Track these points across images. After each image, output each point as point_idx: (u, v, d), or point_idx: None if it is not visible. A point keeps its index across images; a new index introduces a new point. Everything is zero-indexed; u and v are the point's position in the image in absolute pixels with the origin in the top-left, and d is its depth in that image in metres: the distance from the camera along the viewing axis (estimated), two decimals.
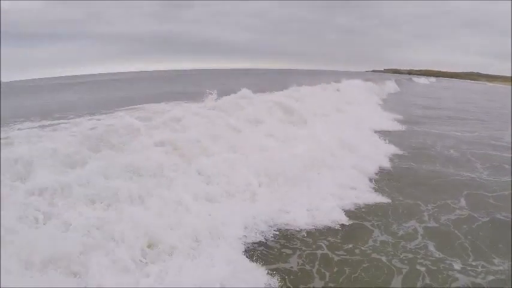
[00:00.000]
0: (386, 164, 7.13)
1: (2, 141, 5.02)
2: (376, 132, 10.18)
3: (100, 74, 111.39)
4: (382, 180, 6.25)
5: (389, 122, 12.42)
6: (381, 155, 7.64)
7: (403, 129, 11.44)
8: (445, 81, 73.49)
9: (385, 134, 9.84)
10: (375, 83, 25.60)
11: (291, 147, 6.88)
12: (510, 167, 7.08)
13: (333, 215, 4.71)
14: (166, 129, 6.54)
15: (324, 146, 7.13)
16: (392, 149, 8.30)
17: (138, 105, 10.88)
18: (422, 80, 51.99)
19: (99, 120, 7.58)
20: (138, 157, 4.98)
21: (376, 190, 5.72)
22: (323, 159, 6.54)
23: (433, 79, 62.92)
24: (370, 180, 6.17)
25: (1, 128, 6.67)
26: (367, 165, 6.69)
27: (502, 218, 4.85)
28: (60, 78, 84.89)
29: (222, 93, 10.03)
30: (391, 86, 28.72)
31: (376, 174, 6.53)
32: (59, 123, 7.54)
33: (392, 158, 7.65)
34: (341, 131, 8.71)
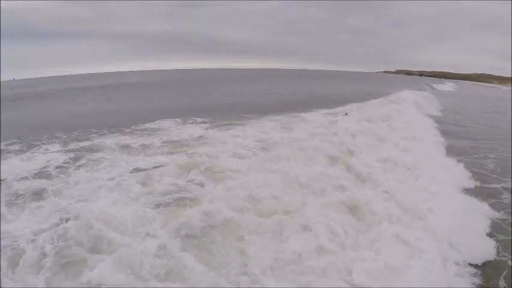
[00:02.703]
0: None
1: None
2: None
3: (111, 73, 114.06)
4: None
5: None
6: None
7: None
8: (468, 85, 71.30)
9: None
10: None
11: None
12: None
13: None
14: None
15: None
16: None
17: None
18: (441, 87, 49.55)
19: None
20: None
21: None
22: None
23: (452, 84, 60.86)
24: None
25: (29, 150, 7.70)
26: None
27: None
28: (72, 77, 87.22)
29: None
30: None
31: None
32: (92, 155, 7.54)
33: None
34: None
